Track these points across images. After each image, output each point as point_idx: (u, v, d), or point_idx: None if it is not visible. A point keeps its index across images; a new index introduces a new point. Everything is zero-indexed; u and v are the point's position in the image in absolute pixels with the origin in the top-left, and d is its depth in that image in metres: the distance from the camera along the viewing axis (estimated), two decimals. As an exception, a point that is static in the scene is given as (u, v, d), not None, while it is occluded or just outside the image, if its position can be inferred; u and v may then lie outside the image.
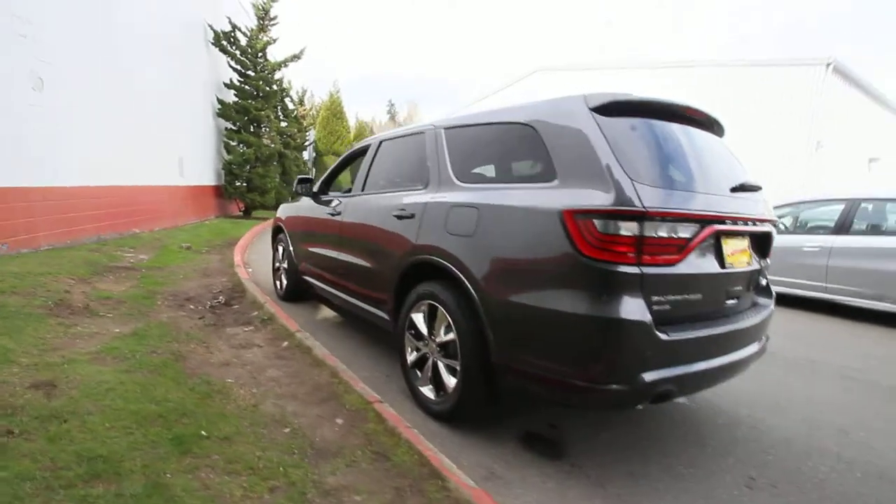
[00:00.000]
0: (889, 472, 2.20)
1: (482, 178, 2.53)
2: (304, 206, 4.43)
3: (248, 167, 12.55)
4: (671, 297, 1.90)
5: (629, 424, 2.56)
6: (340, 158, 4.21)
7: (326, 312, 4.65)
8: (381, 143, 3.52)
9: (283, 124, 15.13)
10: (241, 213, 13.57)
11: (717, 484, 2.06)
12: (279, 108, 14.66)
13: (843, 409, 2.89)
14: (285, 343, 3.40)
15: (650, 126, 2.08)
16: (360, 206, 3.42)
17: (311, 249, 4.20)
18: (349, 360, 3.09)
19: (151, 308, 4.11)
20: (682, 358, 1.91)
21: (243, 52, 12.18)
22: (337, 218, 3.65)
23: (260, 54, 12.45)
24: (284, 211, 4.96)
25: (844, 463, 2.26)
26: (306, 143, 17.96)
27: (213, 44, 11.52)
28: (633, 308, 1.79)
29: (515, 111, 2.38)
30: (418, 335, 2.66)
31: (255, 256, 7.46)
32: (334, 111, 32.00)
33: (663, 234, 1.83)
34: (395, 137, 3.42)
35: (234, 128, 12.50)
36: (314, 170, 22.48)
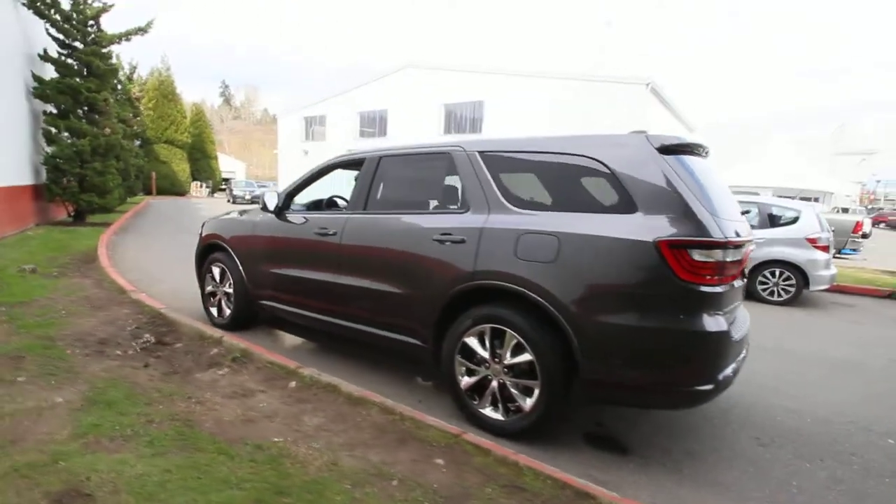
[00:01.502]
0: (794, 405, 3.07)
1: (538, 205, 2.65)
2: (263, 225, 3.91)
3: (80, 162, 10.11)
4: (730, 307, 2.35)
5: (648, 414, 3.00)
6: (312, 171, 3.83)
7: (291, 339, 4.21)
8: (380, 158, 3.34)
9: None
10: (70, 219, 10.90)
11: (737, 442, 2.61)
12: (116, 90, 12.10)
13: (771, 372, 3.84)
14: (292, 384, 3.03)
15: (692, 163, 2.47)
16: (368, 226, 3.21)
17: (279, 272, 3.76)
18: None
19: (68, 361, 3.21)
20: (737, 353, 2.38)
21: (66, 19, 9.69)
22: (331, 239, 3.35)
23: (91, 23, 10.06)
24: (225, 228, 4.28)
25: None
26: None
27: (24, 4, 8.90)
28: (719, 321, 2.18)
29: (572, 143, 2.57)
30: (475, 359, 2.69)
31: (138, 275, 6.20)
32: (164, 92, 27.54)
33: (732, 258, 2.25)
34: (402, 155, 3.29)
35: (56, 112, 9.91)
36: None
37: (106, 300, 4.88)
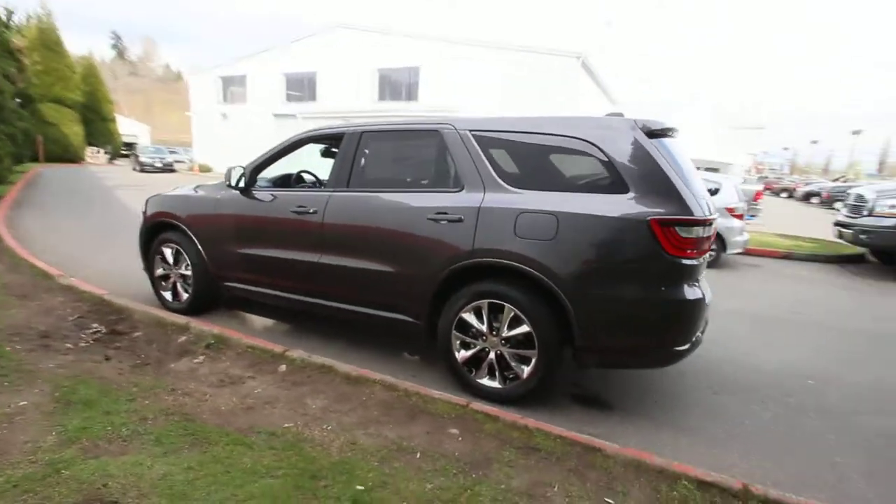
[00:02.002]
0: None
1: (534, 184, 2.74)
2: (228, 202, 3.65)
3: (-46, 124, 8.54)
4: (702, 276, 2.65)
5: (618, 374, 3.33)
6: (281, 145, 3.60)
7: (261, 320, 4.04)
8: (362, 134, 3.23)
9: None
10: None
11: (695, 392, 3.02)
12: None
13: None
14: (282, 367, 2.96)
15: (670, 145, 2.69)
16: (353, 204, 3.13)
17: (249, 252, 3.56)
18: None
19: (12, 359, 2.86)
20: (705, 317, 2.71)
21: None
22: (311, 218, 3.23)
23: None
24: (178, 206, 3.92)
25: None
26: None
27: None
28: (696, 290, 2.47)
29: (563, 125, 2.68)
30: (472, 333, 2.80)
31: (56, 258, 5.51)
32: (47, 43, 23.70)
33: (707, 234, 2.52)
34: (387, 132, 3.21)
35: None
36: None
37: (31, 287, 4.32)
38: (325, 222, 3.19)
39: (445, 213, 2.79)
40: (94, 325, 3.59)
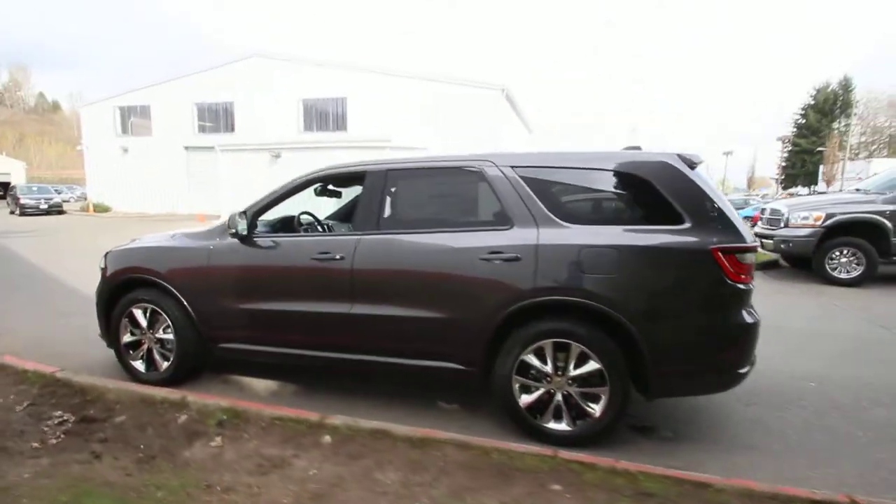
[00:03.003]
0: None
1: (588, 219, 2.72)
2: (224, 252, 3.21)
3: None
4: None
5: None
6: (287, 186, 3.25)
7: (258, 382, 3.55)
8: (387, 172, 3.03)
9: None
10: None
11: (729, 406, 3.15)
12: None
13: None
14: (326, 438, 2.58)
15: (706, 176, 2.84)
16: (388, 248, 2.89)
17: (256, 307, 3.14)
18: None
19: None
20: None
21: None
22: (338, 265, 2.93)
23: None
24: (155, 260, 3.37)
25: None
26: None
27: None
28: (753, 313, 2.59)
29: (609, 160, 2.73)
30: (534, 375, 2.68)
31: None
32: None
33: (755, 260, 2.67)
34: (418, 169, 3.04)
35: None
36: None
37: (-57, 373, 3.42)
38: (356, 268, 2.91)
39: (500, 252, 2.67)
40: (56, 413, 2.91)
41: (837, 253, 7.23)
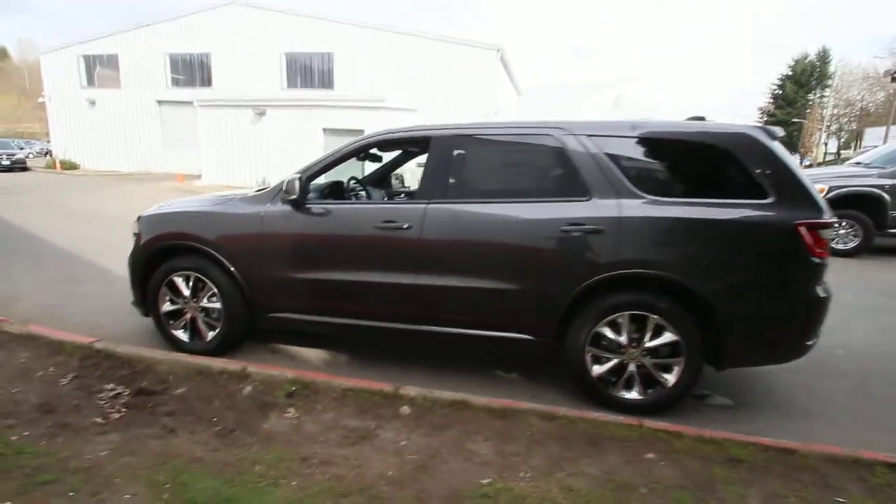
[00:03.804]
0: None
1: (668, 191, 2.68)
2: (276, 219, 3.05)
3: None
4: None
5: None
6: (341, 150, 3.07)
7: (304, 350, 3.48)
8: (454, 137, 2.89)
9: None
10: None
11: (778, 374, 3.27)
12: None
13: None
14: (405, 409, 2.56)
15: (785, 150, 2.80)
16: (461, 218, 2.80)
17: (313, 277, 3.03)
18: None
19: (36, 452, 2.11)
20: None
21: None
22: (405, 234, 2.83)
23: None
24: (201, 225, 3.17)
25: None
26: None
27: None
28: (826, 288, 2.64)
29: (692, 130, 2.67)
30: (607, 346, 2.70)
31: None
32: None
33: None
34: (486, 135, 2.90)
35: None
36: None
37: (-32, 343, 3.21)
38: (424, 238, 2.82)
39: (581, 224, 2.62)
40: (107, 386, 2.79)
41: (836, 225, 7.49)
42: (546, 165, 2.85)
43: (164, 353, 3.11)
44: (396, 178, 4.69)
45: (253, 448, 2.23)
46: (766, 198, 2.53)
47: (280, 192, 3.03)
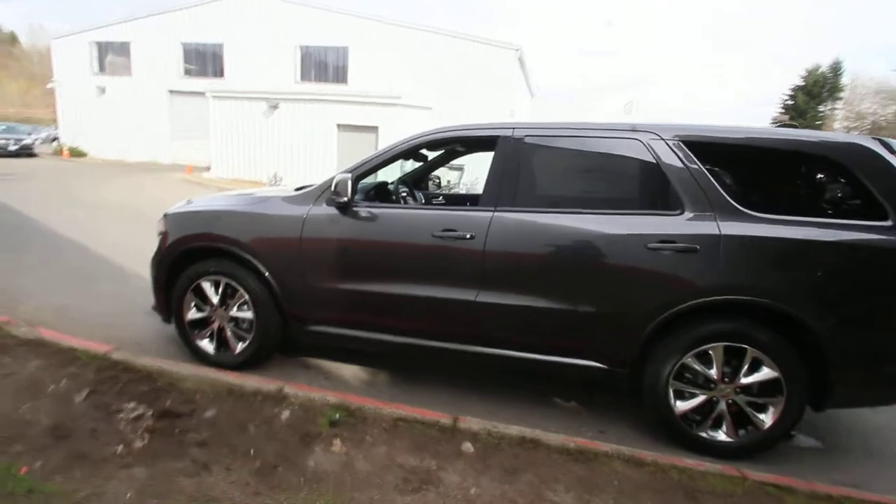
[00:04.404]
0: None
1: (772, 207, 2.34)
2: (320, 222, 2.74)
3: None
4: None
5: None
6: (394, 148, 2.76)
7: (346, 368, 3.17)
8: (525, 138, 2.58)
9: None
10: None
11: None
12: None
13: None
14: (467, 446, 2.25)
15: None
16: (531, 229, 2.49)
17: (359, 288, 2.73)
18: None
19: (52, 492, 1.80)
20: None
21: None
22: (468, 245, 2.51)
23: None
24: (235, 226, 2.86)
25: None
26: None
27: None
28: None
29: (800, 139, 2.36)
30: (695, 380, 2.39)
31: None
32: None
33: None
34: (562, 136, 2.58)
35: None
36: None
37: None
38: (488, 250, 2.51)
39: (673, 242, 2.31)
40: (128, 405, 2.48)
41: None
42: (630, 173, 2.54)
43: (189, 367, 2.81)
44: (433, 181, 4.38)
45: (301, 492, 1.92)
46: (885, 219, 2.21)
47: (325, 193, 2.73)
